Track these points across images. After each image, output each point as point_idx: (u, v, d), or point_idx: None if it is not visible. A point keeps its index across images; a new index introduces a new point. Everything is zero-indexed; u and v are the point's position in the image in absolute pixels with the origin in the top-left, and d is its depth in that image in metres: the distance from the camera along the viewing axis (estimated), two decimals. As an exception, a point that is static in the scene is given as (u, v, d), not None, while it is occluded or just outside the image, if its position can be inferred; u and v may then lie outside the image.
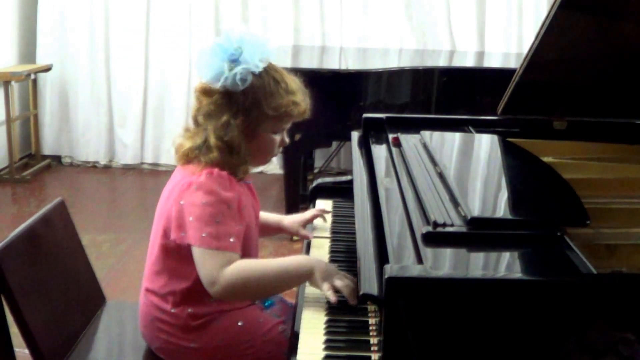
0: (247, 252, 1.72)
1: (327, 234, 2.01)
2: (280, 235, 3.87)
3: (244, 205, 1.70)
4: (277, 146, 1.77)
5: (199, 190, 1.63)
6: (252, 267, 1.65)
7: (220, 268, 1.61)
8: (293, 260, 1.68)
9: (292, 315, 1.70)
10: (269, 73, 1.70)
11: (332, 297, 1.54)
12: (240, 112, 1.68)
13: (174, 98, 5.51)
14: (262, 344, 1.74)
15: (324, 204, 2.21)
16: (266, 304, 1.86)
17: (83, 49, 5.52)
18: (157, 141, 5.58)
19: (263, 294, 1.77)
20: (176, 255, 1.70)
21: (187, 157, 1.71)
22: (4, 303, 1.68)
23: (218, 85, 1.66)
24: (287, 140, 1.80)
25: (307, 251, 1.92)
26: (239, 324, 1.74)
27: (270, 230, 2.08)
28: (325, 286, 1.57)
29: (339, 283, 1.56)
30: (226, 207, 1.64)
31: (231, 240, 1.63)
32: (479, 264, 1.25)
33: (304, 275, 1.63)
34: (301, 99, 1.74)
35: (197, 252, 1.63)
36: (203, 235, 1.61)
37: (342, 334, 1.46)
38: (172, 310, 1.74)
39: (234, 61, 1.66)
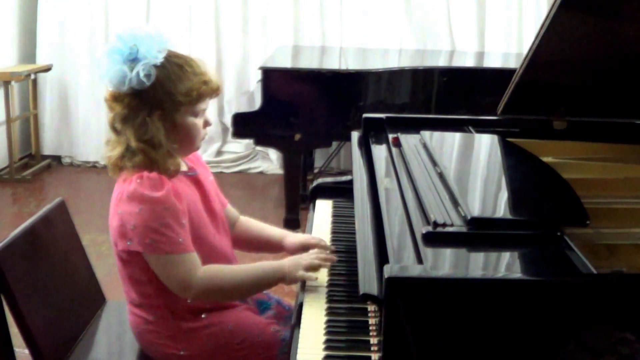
0: (204, 247, 1.71)
1: (328, 234, 2.01)
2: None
3: (183, 200, 1.67)
4: (202, 128, 1.75)
5: (131, 199, 1.63)
6: (224, 274, 1.69)
7: (190, 274, 1.63)
8: (264, 266, 1.73)
9: (289, 318, 1.70)
10: (171, 60, 1.68)
11: (311, 276, 1.65)
12: (154, 108, 1.66)
13: (174, 98, 5.51)
14: (254, 345, 1.74)
15: (324, 204, 2.21)
16: (262, 307, 1.86)
17: (83, 49, 5.51)
18: (157, 141, 5.57)
19: (235, 297, 1.79)
20: (133, 263, 1.70)
21: (118, 167, 1.69)
22: (4, 303, 1.68)
23: (125, 89, 1.64)
24: (210, 120, 1.77)
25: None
26: (229, 327, 1.74)
27: (273, 247, 2.01)
28: (300, 272, 1.66)
29: (305, 262, 1.67)
30: (163, 208, 1.62)
31: (180, 240, 1.63)
32: (479, 264, 1.25)
33: (275, 278, 1.70)
34: (210, 77, 1.72)
35: (154, 260, 1.64)
36: (148, 241, 1.61)
37: (342, 334, 1.46)
38: (155, 320, 1.74)
39: (133, 60, 1.63)
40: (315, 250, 1.71)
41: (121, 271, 1.75)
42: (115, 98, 1.68)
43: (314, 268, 1.69)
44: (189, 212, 1.68)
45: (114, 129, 1.70)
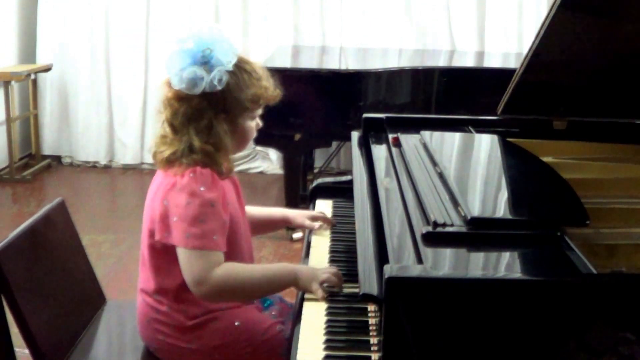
0: (236, 247, 1.73)
1: (327, 233, 2.01)
2: (281, 234, 3.86)
3: (228, 202, 1.71)
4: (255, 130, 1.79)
5: (182, 191, 1.63)
6: (239, 272, 1.67)
7: (209, 269, 1.62)
8: (279, 267, 1.74)
9: (292, 315, 1.70)
10: (240, 66, 1.70)
11: (321, 294, 1.59)
12: (221, 111, 1.69)
13: (174, 98, 5.51)
14: (260, 343, 1.74)
15: (324, 204, 2.21)
16: (265, 304, 1.86)
17: (83, 49, 5.51)
18: (157, 141, 5.57)
19: (247, 297, 1.78)
20: (164, 255, 1.70)
21: (169, 163, 1.69)
22: (4, 303, 1.68)
23: (197, 91, 1.65)
24: (260, 123, 1.81)
25: (307, 251, 1.92)
26: (236, 324, 1.74)
27: (276, 224, 2.09)
28: (314, 286, 1.61)
29: (324, 276, 1.62)
30: (209, 206, 1.63)
31: (214, 238, 1.63)
32: (479, 264, 1.25)
33: (288, 281, 1.66)
34: (269, 82, 1.75)
35: (182, 253, 1.64)
36: (187, 236, 1.62)
37: (342, 334, 1.46)
38: (167, 310, 1.74)
39: (206, 63, 1.65)
40: (332, 269, 1.66)
41: (148, 259, 1.74)
42: (181, 98, 1.68)
43: (329, 286, 1.62)
44: (231, 213, 1.71)
45: (172, 127, 1.70)
